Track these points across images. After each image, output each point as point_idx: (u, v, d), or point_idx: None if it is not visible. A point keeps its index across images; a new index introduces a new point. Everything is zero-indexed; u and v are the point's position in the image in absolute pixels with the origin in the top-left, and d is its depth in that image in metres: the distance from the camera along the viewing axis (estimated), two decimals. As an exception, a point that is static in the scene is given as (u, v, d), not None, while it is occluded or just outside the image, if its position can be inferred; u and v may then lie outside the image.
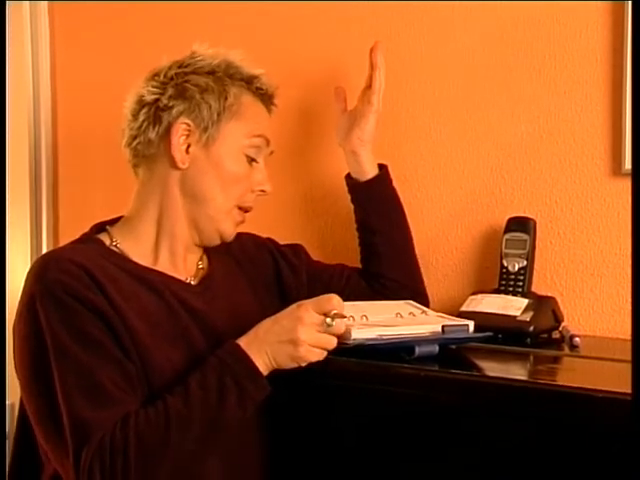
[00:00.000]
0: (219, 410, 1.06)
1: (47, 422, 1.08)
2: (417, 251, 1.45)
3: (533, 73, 1.44)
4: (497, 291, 1.36)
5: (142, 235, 1.23)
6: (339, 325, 1.09)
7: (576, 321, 1.39)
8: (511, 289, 1.35)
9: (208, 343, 1.16)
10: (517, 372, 1.19)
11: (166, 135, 1.21)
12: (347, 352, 1.12)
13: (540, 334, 1.30)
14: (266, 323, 1.11)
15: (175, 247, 1.24)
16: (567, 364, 1.23)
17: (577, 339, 1.26)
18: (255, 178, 1.26)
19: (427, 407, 1.08)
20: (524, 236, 1.36)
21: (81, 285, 1.09)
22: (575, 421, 0.98)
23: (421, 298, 1.39)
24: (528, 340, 1.27)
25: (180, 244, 1.24)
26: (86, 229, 1.27)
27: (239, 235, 1.30)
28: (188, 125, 1.21)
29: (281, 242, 1.44)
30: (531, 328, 1.27)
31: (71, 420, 1.04)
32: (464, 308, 1.34)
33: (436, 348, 1.14)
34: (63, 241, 1.44)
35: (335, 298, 1.10)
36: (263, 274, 1.37)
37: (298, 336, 1.07)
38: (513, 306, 1.31)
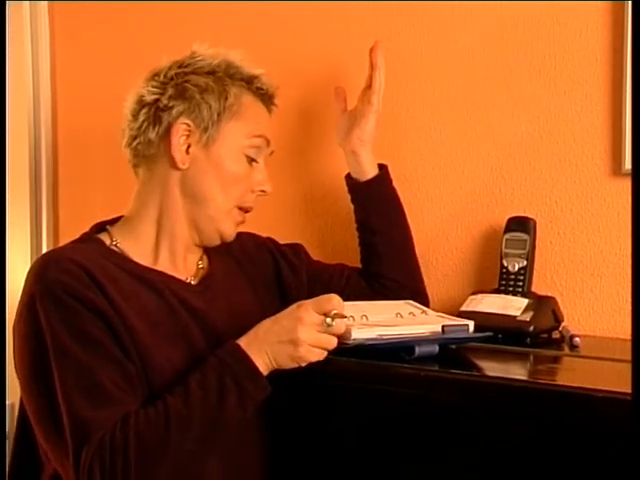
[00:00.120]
0: (219, 410, 1.06)
1: (47, 422, 1.08)
2: (417, 251, 1.45)
3: (533, 73, 1.44)
4: (497, 291, 1.36)
5: (142, 235, 1.23)
6: (339, 325, 1.09)
7: (576, 321, 1.39)
8: (511, 289, 1.35)
9: (208, 343, 1.16)
10: (517, 372, 1.19)
11: (166, 135, 1.21)
12: (347, 352, 1.12)
13: (540, 334, 1.30)
14: (266, 323, 1.11)
15: (175, 247, 1.24)
16: (567, 364, 1.23)
17: (577, 339, 1.26)
18: (255, 178, 1.26)
19: (427, 407, 1.08)
20: (524, 236, 1.36)
21: (81, 285, 1.09)
22: (575, 421, 0.98)
23: (421, 298, 1.39)
24: (528, 340, 1.27)
25: (180, 244, 1.24)
26: (86, 229, 1.27)
27: (239, 235, 1.30)
28: (188, 125, 1.21)
29: (281, 242, 1.44)
30: (531, 328, 1.28)
31: (71, 420, 1.04)
32: (464, 308, 1.34)
33: (436, 348, 1.14)
34: (63, 241, 1.44)
35: (335, 298, 1.10)
36: (263, 274, 1.37)
37: (298, 336, 1.07)
38: (513, 306, 1.31)
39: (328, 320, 1.09)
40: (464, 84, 1.51)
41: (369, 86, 1.41)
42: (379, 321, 1.18)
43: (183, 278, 1.24)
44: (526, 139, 1.45)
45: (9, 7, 1.80)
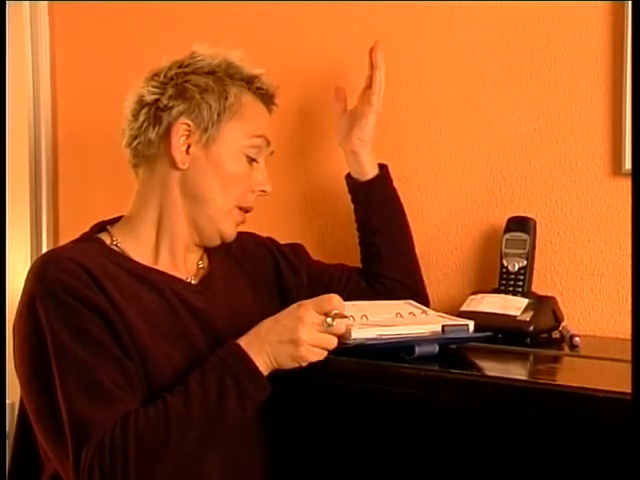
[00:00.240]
0: (219, 410, 1.06)
1: (47, 421, 1.08)
2: (417, 251, 1.45)
3: (533, 73, 1.44)
4: (497, 291, 1.36)
5: (142, 235, 1.23)
6: (339, 325, 1.09)
7: (576, 321, 1.39)
8: (511, 289, 1.35)
9: (208, 342, 1.16)
10: (517, 372, 1.19)
11: (166, 135, 1.21)
12: (347, 352, 1.12)
13: (540, 334, 1.30)
14: (267, 323, 1.11)
15: (175, 247, 1.24)
16: (567, 364, 1.23)
17: (577, 339, 1.26)
18: (255, 178, 1.26)
19: (427, 407, 1.08)
20: (524, 236, 1.36)
21: (81, 284, 1.09)
22: (575, 421, 0.98)
23: (421, 298, 1.39)
24: (528, 340, 1.27)
25: (180, 244, 1.24)
26: (86, 229, 1.27)
27: (239, 235, 1.30)
28: (188, 125, 1.21)
29: (281, 242, 1.44)
30: (531, 328, 1.27)
31: (71, 419, 1.04)
32: (464, 308, 1.34)
33: (436, 348, 1.14)
34: (63, 241, 1.44)
35: (335, 298, 1.10)
36: (263, 274, 1.37)
37: (299, 336, 1.07)
38: (513, 306, 1.31)
39: (328, 320, 1.09)
40: (464, 84, 1.51)
41: (369, 86, 1.41)
42: (379, 321, 1.18)
43: (183, 278, 1.24)
44: (526, 139, 1.45)
45: (9, 7, 1.80)
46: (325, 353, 1.10)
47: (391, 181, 1.43)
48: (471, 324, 1.18)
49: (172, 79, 1.23)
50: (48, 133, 1.98)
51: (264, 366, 1.09)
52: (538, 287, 1.38)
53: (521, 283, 1.34)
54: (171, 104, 1.21)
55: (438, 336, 1.14)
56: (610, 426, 0.94)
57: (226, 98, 1.22)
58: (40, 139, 1.98)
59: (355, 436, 1.16)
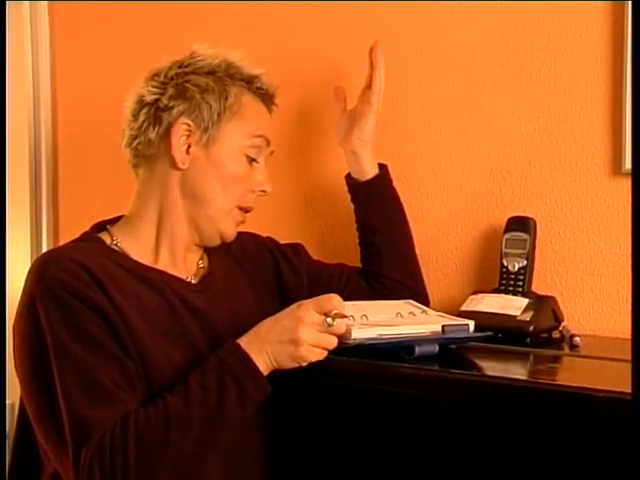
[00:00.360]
0: (219, 410, 1.06)
1: (47, 421, 1.08)
2: (417, 251, 1.45)
3: (533, 73, 1.44)
4: (497, 291, 1.36)
5: (142, 235, 1.23)
6: (340, 325, 1.09)
7: (576, 321, 1.39)
8: (511, 289, 1.35)
9: (208, 342, 1.16)
10: (517, 372, 1.19)
11: (166, 135, 1.21)
12: (347, 352, 1.12)
13: (540, 334, 1.30)
14: (267, 323, 1.11)
15: (175, 247, 1.24)
16: (567, 364, 1.23)
17: (577, 339, 1.26)
18: (255, 178, 1.26)
19: (427, 407, 1.08)
20: (524, 236, 1.36)
21: (81, 283, 1.09)
22: (575, 421, 0.98)
23: (421, 298, 1.39)
24: (528, 340, 1.27)
25: (180, 244, 1.24)
26: (86, 229, 1.27)
27: (239, 235, 1.30)
28: (188, 125, 1.21)
29: (281, 242, 1.44)
30: (531, 328, 1.28)
31: (71, 418, 1.04)
32: (464, 308, 1.34)
33: (436, 348, 1.14)
34: (63, 241, 1.44)
35: (336, 298, 1.10)
36: (263, 273, 1.37)
37: (299, 336, 1.07)
38: (513, 306, 1.31)
39: (329, 320, 1.09)
40: (464, 84, 1.51)
41: (369, 86, 1.41)
42: (379, 321, 1.18)
43: (183, 277, 1.24)
44: (526, 139, 1.45)
45: (9, 7, 1.80)
46: (325, 353, 1.10)
47: (391, 181, 1.43)
48: (471, 324, 1.18)
49: (172, 79, 1.23)
50: (48, 133, 1.98)
51: (264, 366, 1.09)
52: (538, 287, 1.38)
53: (521, 283, 1.34)
54: (171, 104, 1.21)
55: (438, 336, 1.14)
56: (610, 426, 0.94)
57: (226, 98, 1.22)
58: (40, 139, 1.98)
59: (355, 436, 1.16)
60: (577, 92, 1.41)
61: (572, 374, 1.18)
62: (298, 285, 1.39)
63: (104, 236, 1.23)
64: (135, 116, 1.23)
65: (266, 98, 1.29)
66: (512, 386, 1.03)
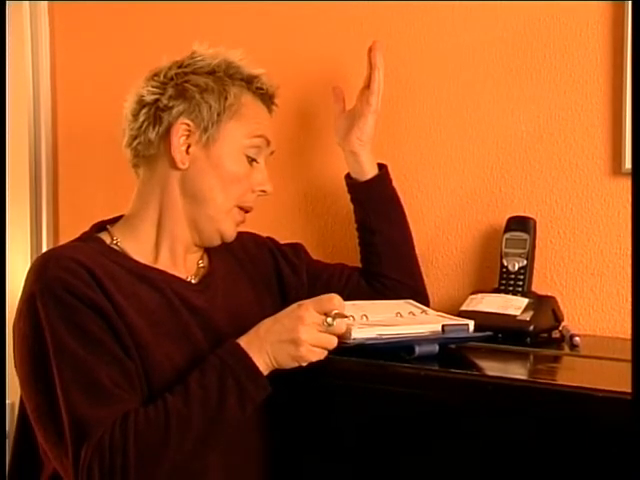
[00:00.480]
0: (219, 410, 1.06)
1: (46, 420, 1.08)
2: (417, 251, 1.45)
3: (533, 73, 1.44)
4: (497, 290, 1.36)
5: (142, 235, 1.23)
6: (340, 325, 1.09)
7: (576, 320, 1.39)
8: (511, 288, 1.35)
9: (208, 342, 1.16)
10: (517, 371, 1.19)
11: (166, 135, 1.21)
12: (347, 351, 1.12)
13: (540, 333, 1.30)
14: (267, 322, 1.11)
15: (175, 247, 1.24)
16: (567, 363, 1.23)
17: (577, 338, 1.26)
18: (255, 178, 1.26)
19: (427, 407, 1.08)
20: (524, 235, 1.36)
21: (81, 283, 1.09)
22: (575, 421, 0.98)
23: (421, 297, 1.39)
24: (528, 339, 1.27)
25: (180, 244, 1.24)
26: (86, 229, 1.27)
27: (239, 234, 1.30)
28: (188, 125, 1.21)
29: (281, 242, 1.44)
30: (531, 327, 1.28)
31: (70, 418, 1.04)
32: (464, 307, 1.34)
33: (436, 347, 1.14)
34: (63, 241, 1.44)
35: (336, 298, 1.10)
36: (263, 273, 1.37)
37: (299, 336, 1.07)
38: (513, 305, 1.31)
39: (329, 320, 1.09)
40: (464, 84, 1.51)
41: (367, 86, 1.41)
42: (379, 320, 1.18)
43: (183, 277, 1.24)
44: (526, 139, 1.45)
45: (9, 7, 1.80)
46: (325, 353, 1.10)
47: (390, 181, 1.43)
48: (471, 324, 1.18)
49: (172, 79, 1.23)
50: (48, 133, 1.98)
51: (264, 366, 1.09)
52: (538, 287, 1.38)
53: (521, 283, 1.34)
54: (171, 104, 1.21)
55: (438, 336, 1.14)
56: (610, 426, 0.94)
57: (226, 98, 1.22)
58: (40, 139, 1.98)
59: (355, 436, 1.16)
60: (577, 92, 1.41)
61: (572, 374, 1.18)
62: (298, 285, 1.39)
63: (104, 236, 1.23)
64: (135, 116, 1.23)
65: (266, 98, 1.29)
66: (512, 386, 1.03)
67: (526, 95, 1.45)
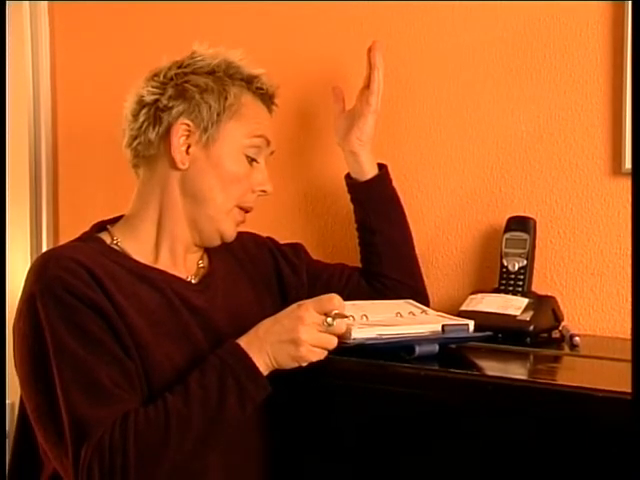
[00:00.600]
0: (219, 410, 1.06)
1: (46, 420, 1.08)
2: (417, 251, 1.45)
3: (533, 73, 1.44)
4: (497, 290, 1.36)
5: (142, 234, 1.23)
6: (340, 325, 1.09)
7: (576, 320, 1.39)
8: (511, 288, 1.35)
9: (208, 341, 1.16)
10: (517, 371, 1.19)
11: (166, 135, 1.21)
12: (347, 352, 1.12)
13: (540, 333, 1.30)
14: (267, 323, 1.11)
15: (175, 247, 1.24)
16: (567, 363, 1.23)
17: (577, 338, 1.26)
18: (256, 178, 1.26)
19: (427, 407, 1.08)
20: (524, 235, 1.36)
21: (81, 283, 1.09)
22: (575, 420, 0.98)
23: (421, 297, 1.39)
24: (528, 339, 1.27)
25: (180, 244, 1.24)
26: (86, 229, 1.27)
27: (239, 234, 1.30)
28: (188, 125, 1.21)
29: (281, 242, 1.44)
30: (531, 327, 1.28)
31: (70, 418, 1.04)
32: (464, 307, 1.34)
33: (436, 347, 1.14)
34: (63, 241, 1.44)
35: (336, 298, 1.10)
36: (263, 273, 1.37)
37: (299, 336, 1.07)
38: (513, 305, 1.31)
39: (329, 320, 1.09)
40: (464, 84, 1.51)
41: (367, 86, 1.41)
42: (379, 320, 1.18)
43: (184, 277, 1.24)
44: (526, 139, 1.45)
45: (9, 7, 1.80)
46: (325, 353, 1.10)
47: (390, 181, 1.43)
48: (471, 324, 1.18)
49: (172, 79, 1.23)
50: (48, 133, 1.98)
51: (264, 366, 1.09)
52: (538, 287, 1.38)
53: (521, 283, 1.34)
54: (171, 104, 1.21)
55: (438, 336, 1.14)
56: (610, 426, 0.94)
57: (226, 98, 1.22)
58: (40, 139, 1.98)
59: (355, 436, 1.16)
60: (577, 92, 1.41)
61: (572, 374, 1.18)
62: (298, 285, 1.39)
63: (104, 236, 1.23)
64: (135, 116, 1.23)
65: (266, 98, 1.29)
66: (512, 386, 1.03)
67: (526, 95, 1.45)
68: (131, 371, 1.09)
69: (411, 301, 1.32)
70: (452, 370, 1.08)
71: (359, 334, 1.12)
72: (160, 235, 1.23)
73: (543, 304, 1.33)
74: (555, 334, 1.34)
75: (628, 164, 1.34)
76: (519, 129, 1.46)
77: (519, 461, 1.02)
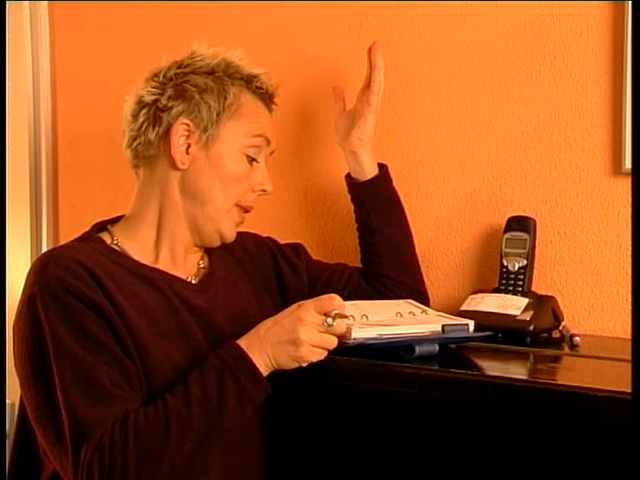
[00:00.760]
0: (219, 410, 1.06)
1: (46, 420, 1.08)
2: (417, 251, 1.45)
3: (533, 73, 1.44)
4: (497, 290, 1.36)
5: (142, 235, 1.23)
6: (340, 325, 1.09)
7: (576, 320, 1.39)
8: (511, 288, 1.35)
9: (209, 342, 1.16)
10: (517, 371, 1.19)
11: (166, 136, 1.21)
12: (347, 352, 1.12)
13: (540, 333, 1.30)
14: (267, 323, 1.11)
15: (175, 247, 1.24)
16: (567, 363, 1.23)
17: (577, 338, 1.26)
18: (255, 178, 1.26)
19: (427, 406, 1.08)
20: (524, 235, 1.36)
21: (81, 283, 1.09)
22: (575, 420, 0.98)
23: (421, 297, 1.39)
24: (528, 339, 1.27)
25: (180, 244, 1.24)
26: (86, 229, 1.27)
27: (239, 234, 1.30)
28: (188, 125, 1.21)
29: (281, 242, 1.44)
30: (531, 327, 1.28)
31: (70, 418, 1.04)
32: (464, 307, 1.34)
33: (436, 347, 1.14)
34: (63, 241, 1.44)
35: (336, 298, 1.10)
36: (263, 273, 1.37)
37: (299, 336, 1.07)
38: (513, 305, 1.31)
39: (329, 320, 1.08)
40: (464, 84, 1.51)
41: (367, 86, 1.41)
42: (379, 320, 1.19)
43: (184, 277, 1.24)
44: (526, 139, 1.45)
45: (9, 7, 1.80)
46: (325, 353, 1.10)
47: (391, 181, 1.43)
48: (471, 324, 1.18)
49: (171, 79, 1.23)
50: (48, 133, 1.98)
51: (264, 367, 1.09)
52: (538, 287, 1.38)
53: (521, 283, 1.35)
54: (170, 104, 1.21)
55: (438, 336, 1.14)
56: (610, 426, 0.94)
57: (225, 98, 1.22)
58: (40, 139, 1.98)
59: (355, 435, 1.16)
60: (577, 92, 1.41)
61: (572, 374, 1.18)
62: (298, 285, 1.38)
63: (104, 236, 1.23)
64: (135, 117, 1.23)
65: (265, 98, 1.29)
66: (512, 386, 1.03)
67: (526, 95, 1.45)
68: (131, 371, 1.09)
69: (411, 301, 1.32)
70: (452, 370, 1.08)
71: (359, 334, 1.12)
72: (160, 235, 1.23)
73: (543, 304, 1.33)
74: (555, 334, 1.34)
75: (628, 164, 1.34)
76: (519, 129, 1.46)
77: (519, 461, 1.03)
